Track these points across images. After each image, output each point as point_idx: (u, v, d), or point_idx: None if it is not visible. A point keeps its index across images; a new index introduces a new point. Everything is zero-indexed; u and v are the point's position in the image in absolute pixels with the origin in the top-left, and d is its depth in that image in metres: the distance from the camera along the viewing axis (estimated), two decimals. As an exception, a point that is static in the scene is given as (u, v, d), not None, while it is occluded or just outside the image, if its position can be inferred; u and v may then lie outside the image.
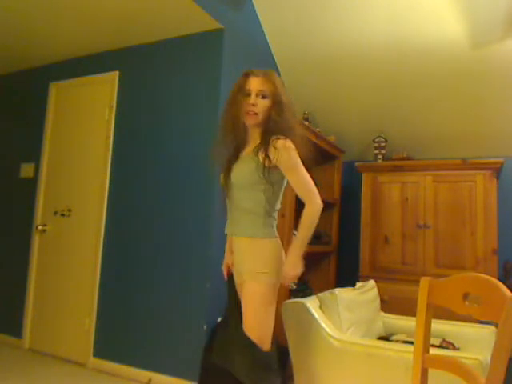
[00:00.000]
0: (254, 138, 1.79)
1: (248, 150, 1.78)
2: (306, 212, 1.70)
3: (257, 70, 1.81)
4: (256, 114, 1.73)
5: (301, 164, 1.70)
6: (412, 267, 3.27)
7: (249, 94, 1.74)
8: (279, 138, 1.68)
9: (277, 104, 1.74)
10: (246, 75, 1.78)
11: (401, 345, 2.17)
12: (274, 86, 1.75)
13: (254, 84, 1.74)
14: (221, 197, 1.86)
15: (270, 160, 1.67)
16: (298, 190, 1.71)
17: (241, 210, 1.75)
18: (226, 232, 1.86)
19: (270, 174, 1.68)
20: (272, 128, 1.72)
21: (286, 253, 1.75)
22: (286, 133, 1.71)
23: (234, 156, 1.81)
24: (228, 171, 1.77)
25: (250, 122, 1.76)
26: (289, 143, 1.68)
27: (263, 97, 1.74)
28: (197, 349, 2.61)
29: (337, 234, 3.75)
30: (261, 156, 1.68)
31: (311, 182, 1.72)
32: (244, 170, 1.73)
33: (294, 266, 1.68)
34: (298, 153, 1.70)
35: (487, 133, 3.40)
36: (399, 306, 2.91)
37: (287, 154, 1.67)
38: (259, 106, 1.73)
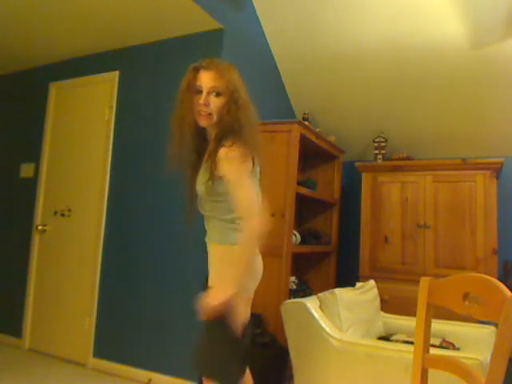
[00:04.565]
0: (212, 139, 1.58)
1: (206, 157, 1.57)
2: (238, 241, 1.48)
3: (209, 61, 1.56)
4: (209, 114, 1.52)
5: (242, 176, 1.46)
6: (412, 267, 3.27)
7: (200, 92, 1.51)
8: (224, 146, 1.47)
9: (232, 102, 1.50)
10: (196, 69, 1.54)
11: (401, 345, 2.17)
12: (228, 82, 1.51)
13: (206, 80, 1.50)
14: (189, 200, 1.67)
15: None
16: (235, 207, 1.47)
17: (207, 221, 1.64)
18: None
19: (220, 185, 1.49)
20: (224, 130, 1.51)
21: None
22: (236, 135, 1.48)
23: (198, 161, 1.61)
24: (194, 179, 1.59)
25: (202, 123, 1.55)
26: (232, 152, 1.45)
27: (217, 94, 1.51)
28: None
29: (337, 234, 3.74)
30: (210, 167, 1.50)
31: (250, 199, 1.45)
32: (201, 182, 1.55)
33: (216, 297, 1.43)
34: (251, 158, 1.49)
35: (487, 133, 3.40)
36: (399, 306, 2.91)
37: (227, 165, 1.45)
38: (212, 105, 1.51)
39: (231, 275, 1.44)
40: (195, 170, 1.60)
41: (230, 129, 1.49)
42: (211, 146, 1.55)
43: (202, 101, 1.50)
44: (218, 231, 1.57)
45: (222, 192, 1.50)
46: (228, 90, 1.51)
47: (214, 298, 1.42)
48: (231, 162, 1.45)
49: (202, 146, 1.61)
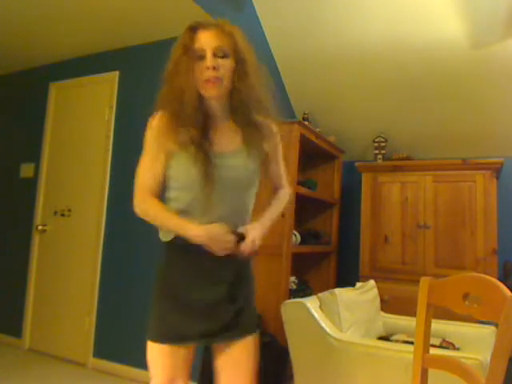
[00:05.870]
0: (220, 116, 1.34)
1: (232, 137, 1.34)
2: (283, 194, 1.53)
3: (206, 20, 1.32)
4: (219, 80, 1.24)
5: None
6: (412, 267, 3.27)
7: (201, 56, 1.24)
8: (263, 119, 1.34)
9: (241, 64, 1.27)
10: (192, 30, 1.27)
11: (401, 345, 2.17)
12: (233, 39, 1.27)
13: (207, 40, 1.24)
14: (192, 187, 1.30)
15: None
16: (280, 178, 1.52)
17: (241, 210, 1.36)
18: None
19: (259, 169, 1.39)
20: (241, 101, 1.29)
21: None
22: (260, 106, 1.32)
23: (204, 138, 1.29)
24: (208, 163, 1.26)
25: (211, 92, 1.26)
26: (277, 126, 1.39)
27: (224, 56, 1.25)
28: (197, 349, 2.61)
29: (337, 234, 3.74)
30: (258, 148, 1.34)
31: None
32: (246, 168, 1.33)
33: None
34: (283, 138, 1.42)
35: (487, 133, 3.40)
36: (399, 306, 2.91)
37: (279, 140, 1.43)
38: (221, 68, 1.24)
39: (269, 215, 1.40)
40: (201, 148, 1.27)
41: (248, 98, 1.28)
42: (241, 122, 1.32)
43: (209, 63, 1.22)
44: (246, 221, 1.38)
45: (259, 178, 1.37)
46: (235, 50, 1.27)
47: (254, 234, 1.29)
48: (279, 137, 1.38)
49: (204, 121, 1.30)
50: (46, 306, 3.35)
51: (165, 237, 1.34)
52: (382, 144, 3.64)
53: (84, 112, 3.45)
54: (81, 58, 3.49)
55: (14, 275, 3.58)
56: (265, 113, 1.34)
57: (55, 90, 3.63)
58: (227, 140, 1.32)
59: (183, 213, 1.30)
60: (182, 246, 1.28)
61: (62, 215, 3.39)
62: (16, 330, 3.43)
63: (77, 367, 3.04)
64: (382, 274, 3.30)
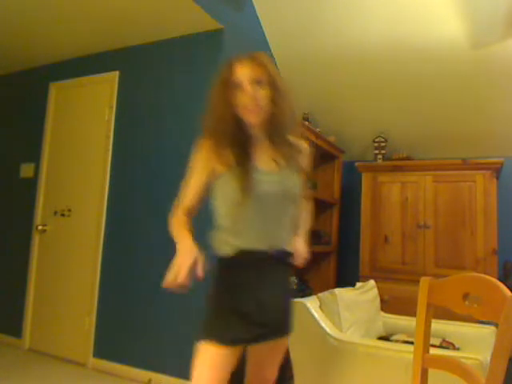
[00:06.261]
0: (259, 137, 1.46)
1: (271, 156, 1.45)
2: (305, 208, 1.70)
3: (241, 54, 1.44)
4: (258, 107, 1.38)
5: None
6: (412, 267, 3.27)
7: (239, 86, 1.38)
8: (296, 140, 1.51)
9: (273, 91, 1.40)
10: (230, 65, 1.41)
11: (401, 345, 2.17)
12: (266, 69, 1.40)
13: (244, 71, 1.38)
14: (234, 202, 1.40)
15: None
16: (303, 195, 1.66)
17: (284, 224, 1.46)
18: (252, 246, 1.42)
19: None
20: (276, 124, 1.42)
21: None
22: (290, 128, 1.46)
23: (249, 161, 1.41)
24: (250, 178, 1.37)
25: (252, 119, 1.39)
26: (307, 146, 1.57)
27: (259, 84, 1.38)
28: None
29: (337, 233, 3.74)
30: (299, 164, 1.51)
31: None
32: (293, 182, 1.45)
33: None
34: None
35: (487, 133, 3.40)
36: (399, 306, 2.91)
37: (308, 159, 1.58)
38: (258, 96, 1.37)
39: (302, 231, 1.62)
40: (243, 165, 1.39)
41: (282, 120, 1.42)
42: (278, 142, 1.45)
43: (249, 92, 1.36)
44: (288, 233, 1.50)
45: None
46: (269, 79, 1.39)
47: (300, 248, 1.56)
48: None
49: (245, 142, 1.44)
50: (46, 306, 3.35)
51: (223, 250, 1.46)
52: (382, 144, 3.65)
53: (84, 112, 3.45)
54: (81, 58, 3.49)
55: (14, 275, 3.58)
56: (295, 133, 1.50)
57: (55, 90, 3.63)
58: (267, 158, 1.45)
59: (230, 227, 1.44)
60: (242, 258, 1.42)
61: (62, 215, 3.39)
62: (16, 330, 3.43)
63: (77, 367, 3.03)
64: (382, 274, 3.30)
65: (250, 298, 1.40)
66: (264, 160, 1.44)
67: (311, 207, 1.70)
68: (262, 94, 1.38)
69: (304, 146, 1.54)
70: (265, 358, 1.55)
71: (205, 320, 1.46)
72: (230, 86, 1.39)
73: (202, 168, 1.45)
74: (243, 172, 1.37)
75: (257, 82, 1.38)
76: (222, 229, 1.47)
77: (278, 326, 1.46)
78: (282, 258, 1.46)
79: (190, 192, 1.51)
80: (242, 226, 1.41)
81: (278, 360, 1.58)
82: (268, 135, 1.45)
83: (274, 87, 1.40)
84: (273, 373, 1.58)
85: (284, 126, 1.44)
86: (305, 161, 1.54)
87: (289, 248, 1.49)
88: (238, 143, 1.41)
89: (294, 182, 1.46)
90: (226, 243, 1.44)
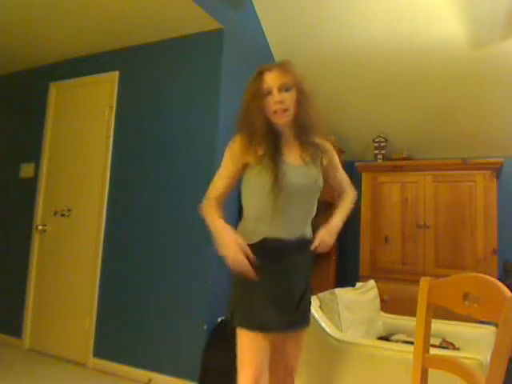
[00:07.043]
0: (288, 136, 1.63)
1: (298, 153, 1.63)
2: (350, 195, 1.86)
3: (268, 63, 1.66)
4: (286, 109, 1.56)
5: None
6: (412, 267, 3.27)
7: (269, 93, 1.55)
8: (321, 140, 1.69)
9: (301, 94, 1.60)
10: (260, 74, 1.59)
11: (401, 345, 2.17)
12: (294, 75, 1.59)
13: (273, 79, 1.56)
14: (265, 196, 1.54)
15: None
16: (343, 186, 1.81)
17: (306, 214, 1.69)
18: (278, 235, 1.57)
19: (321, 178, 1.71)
20: (302, 125, 1.61)
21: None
22: (316, 129, 1.64)
23: (279, 156, 1.58)
24: (279, 170, 1.53)
25: (281, 121, 1.57)
26: (331, 145, 1.75)
27: (287, 89, 1.56)
28: (197, 349, 2.61)
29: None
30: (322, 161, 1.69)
31: None
32: (313, 176, 1.62)
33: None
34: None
35: (487, 133, 3.40)
36: (399, 305, 2.91)
37: (335, 155, 1.75)
38: (286, 100, 1.56)
39: (339, 215, 1.76)
40: (273, 158, 1.55)
41: (308, 123, 1.60)
42: (303, 143, 1.63)
43: (276, 98, 1.54)
44: (309, 223, 1.72)
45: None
46: (295, 84, 1.58)
47: (322, 235, 1.70)
48: (334, 151, 1.73)
49: (275, 140, 1.61)
50: (46, 306, 3.35)
51: (251, 239, 1.55)
52: (382, 144, 3.65)
53: (84, 112, 3.45)
54: (81, 58, 3.49)
55: (13, 275, 3.58)
56: (319, 133, 1.67)
57: (55, 90, 3.63)
58: (295, 154, 1.62)
59: (259, 216, 1.57)
60: (269, 246, 1.55)
61: (62, 215, 3.39)
62: (16, 330, 3.43)
63: (77, 367, 3.04)
64: (382, 274, 3.30)
65: (279, 286, 1.54)
66: (292, 155, 1.61)
67: (353, 197, 1.82)
68: (289, 98, 1.56)
69: (328, 145, 1.71)
70: (289, 347, 1.65)
71: (236, 307, 1.56)
72: (261, 92, 1.56)
73: (235, 161, 1.59)
74: (274, 164, 1.53)
75: (284, 88, 1.55)
76: (249, 218, 1.60)
77: (304, 316, 1.63)
78: (305, 247, 1.65)
79: (221, 182, 1.62)
80: (270, 215, 1.54)
81: (300, 351, 1.69)
82: (296, 135, 1.63)
83: (300, 91, 1.59)
84: (297, 363, 1.69)
85: (309, 126, 1.61)
86: (328, 158, 1.70)
87: (310, 236, 1.70)
88: (269, 141, 1.57)
89: (318, 177, 1.63)
90: (254, 232, 1.55)
